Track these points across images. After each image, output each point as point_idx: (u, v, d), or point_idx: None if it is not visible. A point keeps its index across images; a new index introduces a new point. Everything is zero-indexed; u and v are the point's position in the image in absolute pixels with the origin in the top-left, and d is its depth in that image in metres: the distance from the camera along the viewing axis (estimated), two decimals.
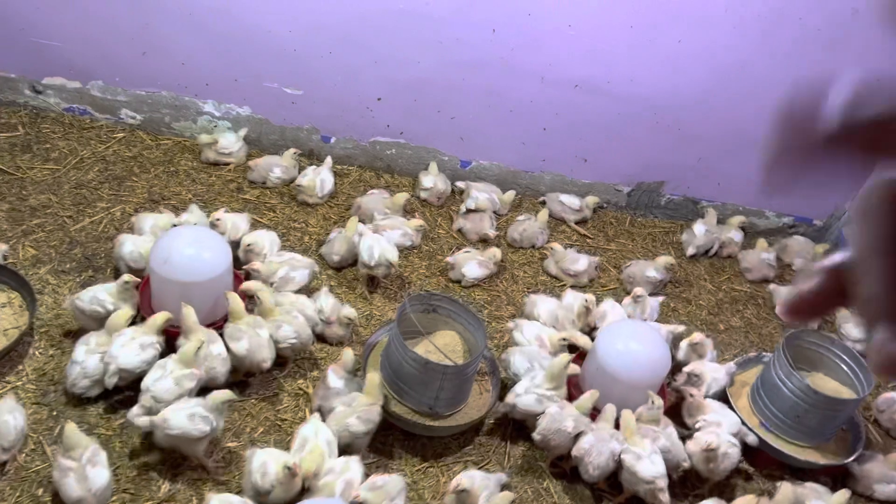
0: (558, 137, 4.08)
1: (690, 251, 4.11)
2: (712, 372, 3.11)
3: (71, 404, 2.61)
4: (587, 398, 2.79)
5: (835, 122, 0.39)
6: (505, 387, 2.97)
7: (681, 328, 3.35)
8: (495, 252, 3.61)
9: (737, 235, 4.21)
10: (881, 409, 3.37)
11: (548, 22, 3.64)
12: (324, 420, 2.60)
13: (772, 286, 3.97)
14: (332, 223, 3.68)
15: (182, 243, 2.76)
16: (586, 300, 3.30)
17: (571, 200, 4.14)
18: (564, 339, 3.10)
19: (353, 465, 2.42)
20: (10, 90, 3.85)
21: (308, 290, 3.14)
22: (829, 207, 4.45)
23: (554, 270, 3.75)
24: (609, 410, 2.76)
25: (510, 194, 4.05)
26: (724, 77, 3.84)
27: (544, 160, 4.19)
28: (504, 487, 2.64)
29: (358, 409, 2.59)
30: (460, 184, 4.05)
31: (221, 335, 2.73)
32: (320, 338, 3.07)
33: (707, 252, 4.19)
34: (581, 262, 3.71)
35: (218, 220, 3.19)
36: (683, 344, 3.30)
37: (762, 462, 3.05)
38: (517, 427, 2.94)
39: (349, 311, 3.02)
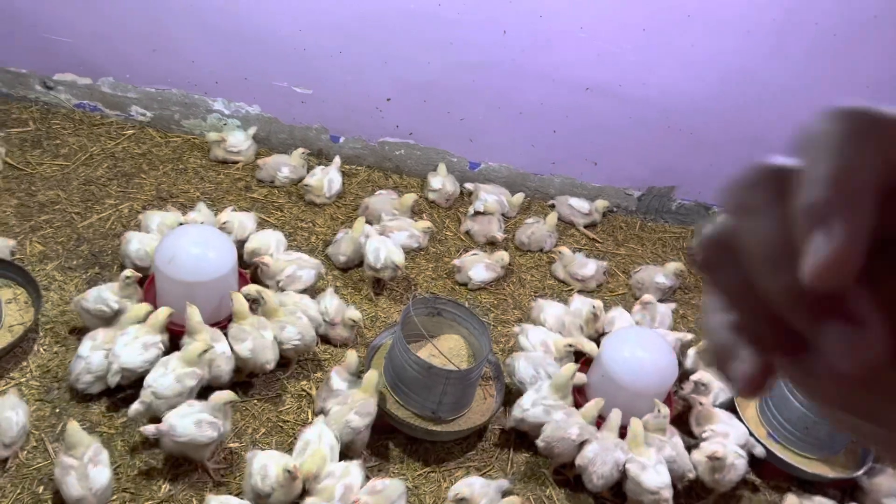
0: (568, 140, 4.05)
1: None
2: (720, 381, 3.07)
3: (74, 402, 2.61)
4: (592, 406, 2.76)
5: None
6: (510, 392, 2.94)
7: (689, 336, 3.32)
8: (503, 255, 3.58)
9: None
10: None
11: (559, 24, 3.61)
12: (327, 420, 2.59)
13: None
14: (339, 223, 3.67)
15: (187, 242, 2.75)
16: (594, 306, 3.27)
17: (581, 204, 4.11)
18: (570, 346, 3.07)
19: (354, 469, 2.41)
20: (21, 86, 3.86)
21: (313, 291, 3.13)
22: None
23: (562, 275, 3.72)
24: (614, 418, 2.73)
25: (519, 197, 4.03)
26: (736, 81, 3.79)
27: (554, 163, 4.16)
28: (506, 494, 2.61)
29: (354, 404, 2.58)
30: (469, 185, 4.03)
31: (226, 335, 2.72)
32: (325, 339, 3.05)
33: None
34: (589, 267, 3.68)
35: (225, 222, 3.18)
36: (691, 352, 3.27)
37: (769, 473, 3.01)
38: (521, 433, 2.91)
39: (354, 313, 3.01)
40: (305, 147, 3.92)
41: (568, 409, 2.76)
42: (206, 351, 2.55)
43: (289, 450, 2.51)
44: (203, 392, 2.59)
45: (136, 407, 2.45)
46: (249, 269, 3.11)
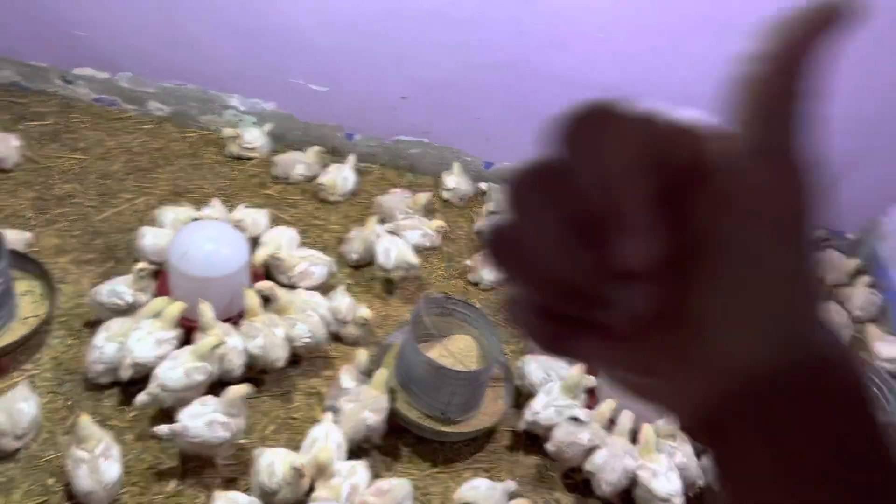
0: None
1: None
2: None
3: (86, 395, 2.63)
4: (604, 409, 2.73)
5: None
6: (520, 394, 2.92)
7: None
8: None
9: None
10: None
11: (576, 25, 3.58)
12: (336, 419, 2.59)
13: None
14: (352, 221, 3.67)
15: (201, 238, 2.76)
16: None
17: None
18: None
19: (360, 469, 2.41)
20: (41, 79, 3.89)
21: (325, 289, 3.13)
22: (862, 220, 4.32)
23: None
24: (624, 421, 2.71)
25: None
26: None
27: None
28: (513, 497, 2.60)
29: (367, 401, 2.57)
30: (483, 185, 4.01)
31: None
32: (335, 337, 3.05)
33: None
34: None
35: (239, 220, 3.18)
36: None
37: None
38: (530, 435, 2.89)
39: (364, 312, 3.01)
40: (320, 144, 3.92)
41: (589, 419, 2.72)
42: (218, 345, 2.56)
43: (298, 447, 2.51)
44: (215, 387, 2.60)
45: (142, 398, 2.46)
46: (264, 264, 3.11)
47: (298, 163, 3.79)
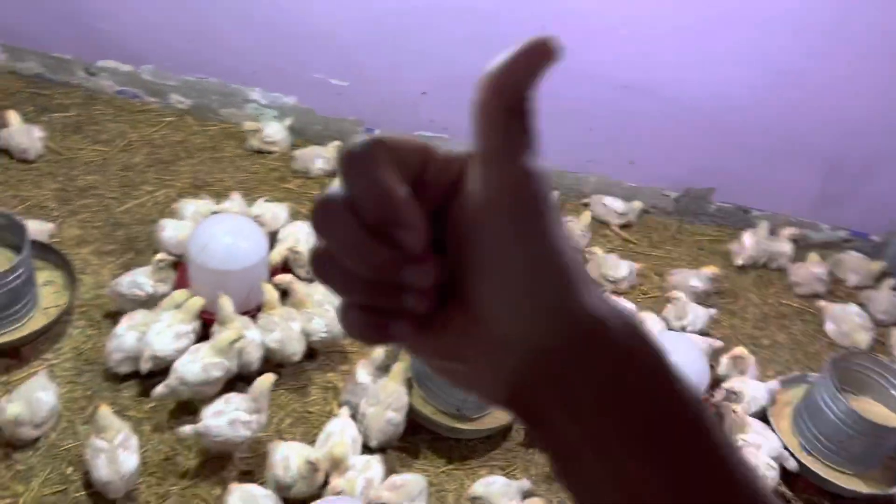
0: (605, 138, 3.98)
1: (739, 262, 3.98)
2: (753, 390, 3.00)
3: (105, 385, 2.65)
4: None
5: None
6: None
7: (718, 343, 3.25)
8: None
9: (787, 248, 4.05)
10: None
11: (599, 20, 3.55)
12: (354, 415, 2.59)
13: (822, 303, 3.81)
14: None
15: (220, 231, 2.78)
16: None
17: (616, 203, 4.05)
18: None
19: (375, 463, 2.41)
20: (64, 71, 3.93)
21: None
22: (886, 222, 4.25)
23: (594, 275, 3.66)
24: None
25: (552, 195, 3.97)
26: (781, 83, 3.69)
27: (590, 161, 4.11)
28: (527, 495, 2.59)
29: (388, 400, 2.57)
30: None
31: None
32: None
33: (755, 263, 4.05)
34: (622, 269, 3.62)
35: (258, 215, 3.18)
36: (724, 358, 3.20)
37: (801, 486, 2.94)
38: None
39: None
40: (340, 139, 3.92)
41: None
42: (237, 340, 2.57)
43: (313, 441, 2.52)
44: (232, 381, 2.61)
45: (160, 390, 2.48)
46: (283, 258, 3.12)
47: (318, 157, 3.80)
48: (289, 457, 2.32)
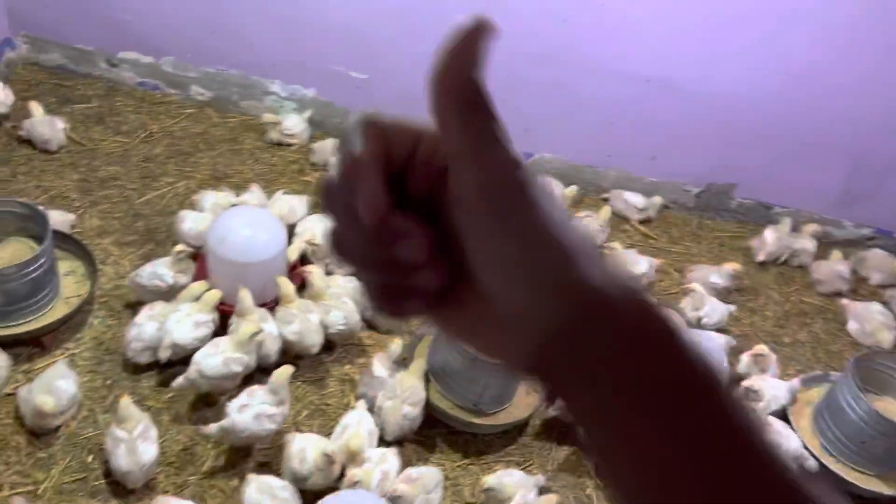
0: (626, 133, 3.95)
1: (761, 258, 3.94)
2: (773, 388, 2.96)
3: (125, 375, 2.68)
4: None
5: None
6: None
7: (733, 341, 3.22)
8: None
9: (810, 245, 4.00)
10: None
11: (621, 14, 3.51)
12: (370, 408, 2.60)
13: (844, 301, 3.76)
14: None
15: (239, 223, 2.78)
16: None
17: (636, 199, 4.02)
18: None
19: (391, 456, 2.41)
20: (87, 63, 3.96)
21: None
22: None
23: None
24: None
25: (572, 189, 3.95)
26: (805, 78, 3.63)
27: (610, 156, 4.07)
28: (543, 490, 2.58)
29: (405, 395, 2.57)
30: None
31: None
32: (369, 325, 3.06)
33: (776, 260, 4.00)
34: (641, 265, 3.59)
35: (279, 213, 3.18)
36: (745, 356, 3.17)
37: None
38: (563, 430, 2.87)
39: None
40: None
41: None
42: (257, 333, 2.58)
43: (330, 433, 2.52)
44: (249, 375, 2.62)
45: (180, 381, 2.50)
46: (302, 250, 3.12)
47: (337, 150, 3.80)
48: (305, 449, 2.33)
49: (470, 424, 2.71)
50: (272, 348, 2.69)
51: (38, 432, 2.42)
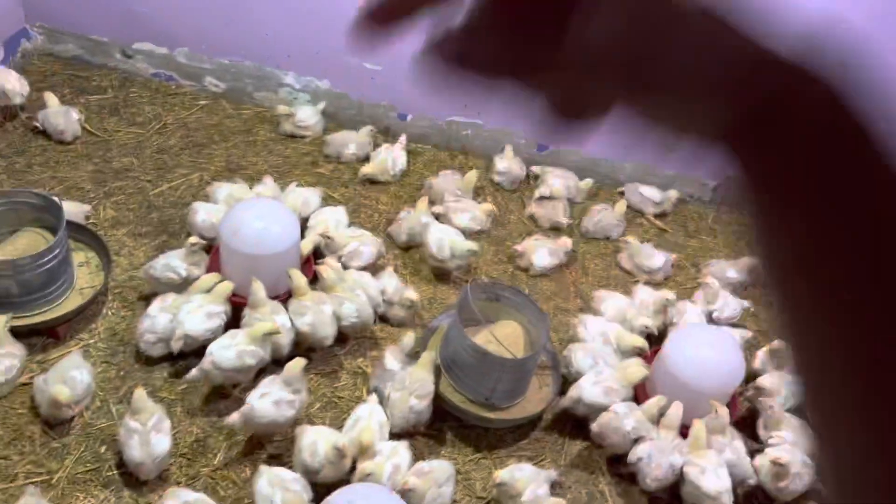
0: (642, 125, 3.90)
1: None
2: (790, 385, 2.93)
3: (138, 366, 2.68)
4: (653, 403, 2.67)
5: None
6: (566, 383, 2.88)
7: (749, 333, 3.19)
8: (566, 241, 3.50)
9: None
10: None
11: None
12: (381, 401, 2.59)
13: None
14: (402, 202, 3.65)
15: (252, 216, 2.78)
16: (668, 299, 3.15)
17: (652, 192, 3.98)
18: (646, 327, 3.04)
19: (402, 449, 2.40)
20: (102, 54, 3.96)
21: (373, 270, 3.12)
22: None
23: (628, 265, 3.61)
24: (673, 414, 2.64)
25: (587, 182, 3.92)
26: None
27: (626, 148, 4.02)
28: (554, 486, 2.57)
29: (413, 387, 2.57)
30: (535, 168, 3.94)
31: (286, 309, 2.75)
32: (382, 318, 3.05)
33: None
34: (657, 259, 3.55)
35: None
36: (761, 352, 3.13)
37: None
38: (576, 425, 2.85)
39: (411, 294, 2.99)
40: (373, 124, 3.90)
41: (629, 402, 2.69)
42: (273, 333, 2.58)
43: (342, 426, 2.52)
44: (261, 369, 2.62)
45: (194, 373, 2.50)
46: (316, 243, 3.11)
47: (350, 142, 3.79)
48: (316, 441, 2.32)
49: (482, 419, 2.70)
50: (285, 340, 2.68)
51: (53, 422, 2.43)
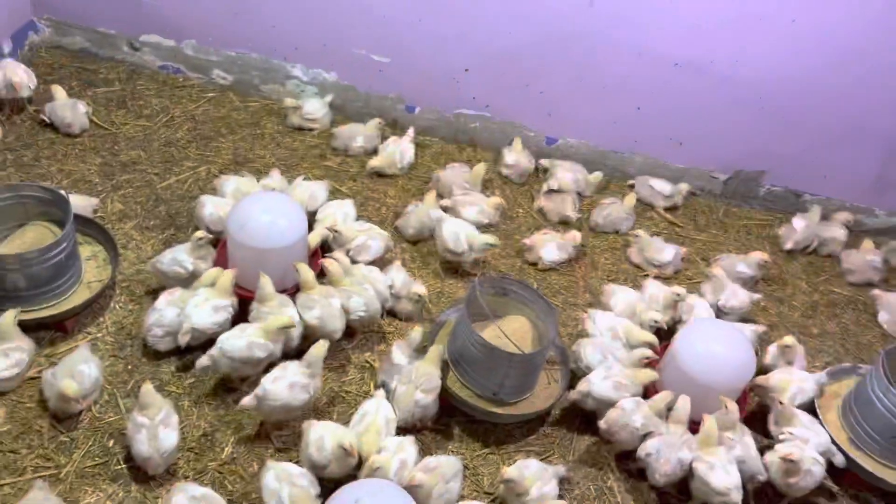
0: (653, 118, 3.87)
1: (788, 245, 3.85)
2: (800, 381, 2.90)
3: (146, 360, 2.68)
4: (660, 399, 2.65)
5: None
6: (575, 378, 2.86)
7: (762, 328, 3.16)
8: (575, 235, 3.48)
9: (840, 233, 3.91)
10: None
11: None
12: (388, 395, 2.58)
13: (875, 291, 3.67)
14: (410, 195, 3.63)
15: (259, 210, 2.76)
16: (678, 294, 3.12)
17: (662, 185, 3.94)
18: (655, 321, 3.01)
19: (408, 445, 2.39)
20: (109, 46, 3.95)
21: (381, 264, 3.10)
22: None
23: (637, 259, 3.58)
24: (682, 408, 2.62)
25: (596, 175, 3.89)
26: (839, 63, 3.53)
27: (636, 141, 4.00)
28: (563, 481, 2.56)
29: (419, 381, 2.55)
30: (544, 162, 3.92)
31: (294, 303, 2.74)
32: (390, 312, 3.04)
33: (805, 249, 3.91)
34: (667, 253, 3.52)
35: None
36: (772, 347, 3.10)
37: (849, 481, 2.84)
38: (584, 420, 2.83)
39: (419, 288, 2.98)
40: (381, 116, 3.88)
41: (637, 398, 2.67)
42: (288, 327, 2.57)
43: (349, 420, 2.51)
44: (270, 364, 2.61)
45: (203, 361, 2.50)
46: (324, 236, 3.10)
47: (358, 135, 3.77)
48: (323, 437, 2.31)
49: (490, 414, 2.68)
50: (294, 333, 2.68)
51: (61, 416, 2.43)
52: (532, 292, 2.84)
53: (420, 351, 2.75)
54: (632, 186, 3.99)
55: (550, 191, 3.73)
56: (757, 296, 3.38)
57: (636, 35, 3.58)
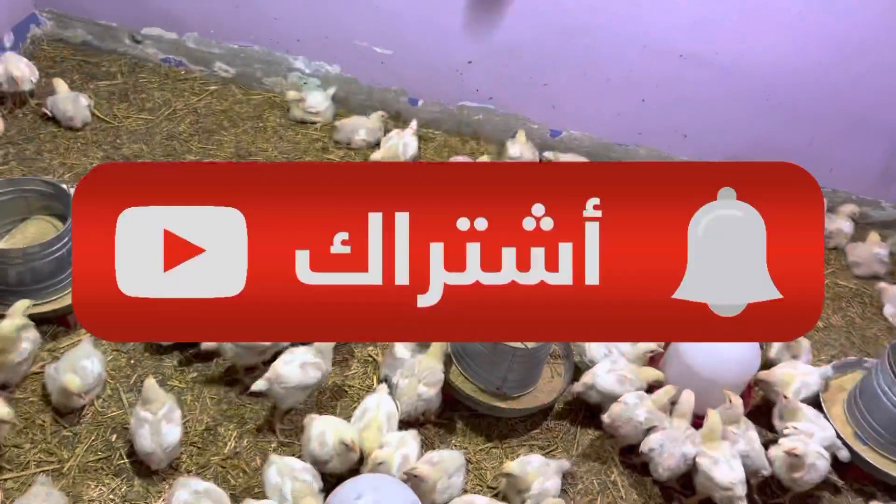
0: (657, 110, 3.85)
1: None
2: (805, 375, 2.88)
3: (148, 354, 2.68)
4: (663, 393, 2.64)
5: None
6: (578, 372, 2.85)
7: None
8: None
9: (846, 226, 3.88)
10: None
11: None
12: (391, 390, 2.57)
13: (882, 284, 3.65)
14: None
15: None
16: None
17: None
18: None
19: (410, 439, 2.39)
20: (111, 39, 3.94)
21: None
22: None
23: None
24: (685, 402, 2.60)
25: None
26: (845, 55, 3.50)
27: (640, 133, 3.97)
28: (566, 476, 2.55)
29: (422, 375, 2.55)
30: (548, 154, 3.90)
31: None
32: None
33: None
34: None
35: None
36: (776, 342, 3.08)
37: (854, 475, 2.83)
38: (588, 414, 2.83)
39: None
40: (384, 109, 3.86)
41: (640, 392, 2.66)
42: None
43: (351, 415, 2.50)
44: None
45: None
46: None
47: (361, 128, 3.75)
48: (325, 432, 2.31)
49: (493, 408, 2.67)
50: None
51: (64, 411, 2.43)
52: None
53: (424, 345, 2.74)
54: None
55: None
56: None
57: (641, 27, 3.55)
